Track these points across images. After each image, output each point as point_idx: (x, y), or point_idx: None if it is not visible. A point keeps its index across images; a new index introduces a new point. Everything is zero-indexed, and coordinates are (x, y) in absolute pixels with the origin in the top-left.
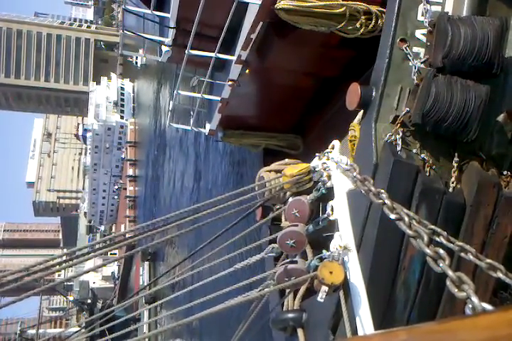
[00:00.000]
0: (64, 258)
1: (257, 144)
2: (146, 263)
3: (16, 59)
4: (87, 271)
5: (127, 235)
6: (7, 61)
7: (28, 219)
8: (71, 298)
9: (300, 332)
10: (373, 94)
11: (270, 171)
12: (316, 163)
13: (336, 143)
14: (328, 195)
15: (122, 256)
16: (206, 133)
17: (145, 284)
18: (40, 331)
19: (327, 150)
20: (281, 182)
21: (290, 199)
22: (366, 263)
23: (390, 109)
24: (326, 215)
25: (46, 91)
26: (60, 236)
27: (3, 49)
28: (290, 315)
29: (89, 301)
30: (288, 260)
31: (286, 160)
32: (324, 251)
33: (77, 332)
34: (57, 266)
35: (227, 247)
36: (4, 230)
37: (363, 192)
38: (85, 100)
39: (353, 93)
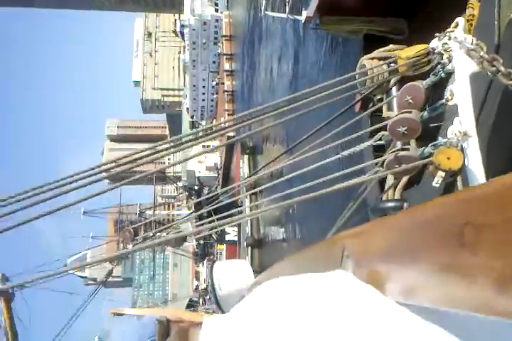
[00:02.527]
0: (171, 144)
1: (357, 30)
2: (246, 157)
3: None
4: (195, 156)
5: (227, 124)
6: None
7: (137, 116)
8: (181, 184)
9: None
10: None
11: (373, 59)
12: (435, 43)
13: (459, 20)
14: (445, 80)
15: (223, 144)
16: (303, 21)
17: (245, 175)
18: (156, 212)
19: (449, 29)
20: (384, 69)
21: (392, 87)
22: (487, 149)
23: None
24: (443, 100)
25: None
26: (167, 132)
27: None
28: (390, 204)
29: (196, 188)
30: (399, 147)
31: (391, 46)
32: (440, 138)
33: (188, 215)
34: (166, 151)
35: (325, 140)
36: (118, 126)
37: (490, 74)
38: None
39: None
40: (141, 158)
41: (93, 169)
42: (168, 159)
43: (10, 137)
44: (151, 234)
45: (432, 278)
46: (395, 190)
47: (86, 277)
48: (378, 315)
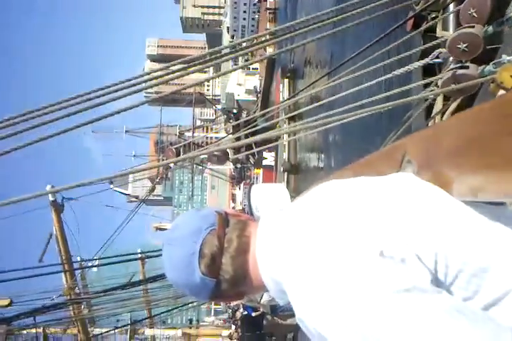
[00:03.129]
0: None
1: None
2: (286, 81)
3: None
4: (234, 70)
5: (266, 40)
6: None
7: (178, 35)
8: (219, 107)
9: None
10: None
11: None
12: None
13: None
14: None
15: (263, 58)
16: None
17: (285, 100)
18: (195, 134)
19: None
20: None
21: (450, 3)
22: None
23: None
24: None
25: None
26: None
27: None
28: None
29: (234, 111)
30: (458, 65)
31: None
32: (504, 56)
33: (225, 137)
34: (206, 64)
35: (370, 61)
36: (158, 46)
37: None
38: None
39: None
40: (179, 70)
41: (130, 80)
42: (208, 86)
43: (50, 56)
44: (194, 154)
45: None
46: (442, 116)
47: (128, 194)
48: (447, 210)
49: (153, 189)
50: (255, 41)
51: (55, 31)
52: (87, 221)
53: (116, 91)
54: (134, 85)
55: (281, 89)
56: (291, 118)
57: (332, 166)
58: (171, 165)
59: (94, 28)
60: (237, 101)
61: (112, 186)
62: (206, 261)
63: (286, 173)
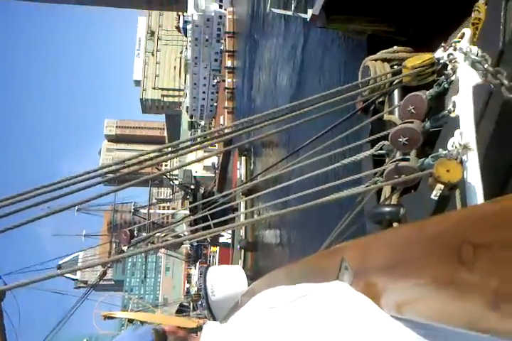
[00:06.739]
0: (169, 149)
1: (362, 30)
2: (243, 158)
3: None
4: (194, 162)
5: (226, 130)
6: None
7: (136, 116)
8: (177, 182)
9: (396, 225)
10: None
11: (376, 60)
12: (440, 54)
13: (466, 31)
14: (447, 90)
15: (221, 151)
16: (308, 19)
17: (242, 177)
18: (151, 211)
19: (454, 39)
20: (388, 78)
21: (394, 90)
22: (486, 163)
23: None
24: (446, 112)
25: None
26: (165, 134)
27: None
28: (387, 209)
29: (192, 187)
30: (400, 157)
31: (395, 47)
32: (440, 150)
33: (183, 218)
34: (165, 156)
35: (324, 147)
36: (117, 126)
37: (493, 86)
38: None
39: None
40: (141, 161)
41: (95, 171)
42: (166, 165)
43: (7, 136)
44: (147, 237)
45: (429, 293)
46: (390, 201)
47: (77, 279)
48: (373, 329)
49: (104, 274)
50: (214, 134)
51: (12, 110)
52: (30, 308)
53: (73, 184)
54: (94, 177)
55: (239, 167)
56: (250, 195)
57: (290, 243)
58: (125, 248)
59: (52, 109)
60: (195, 177)
61: (59, 271)
62: None
63: (243, 251)
